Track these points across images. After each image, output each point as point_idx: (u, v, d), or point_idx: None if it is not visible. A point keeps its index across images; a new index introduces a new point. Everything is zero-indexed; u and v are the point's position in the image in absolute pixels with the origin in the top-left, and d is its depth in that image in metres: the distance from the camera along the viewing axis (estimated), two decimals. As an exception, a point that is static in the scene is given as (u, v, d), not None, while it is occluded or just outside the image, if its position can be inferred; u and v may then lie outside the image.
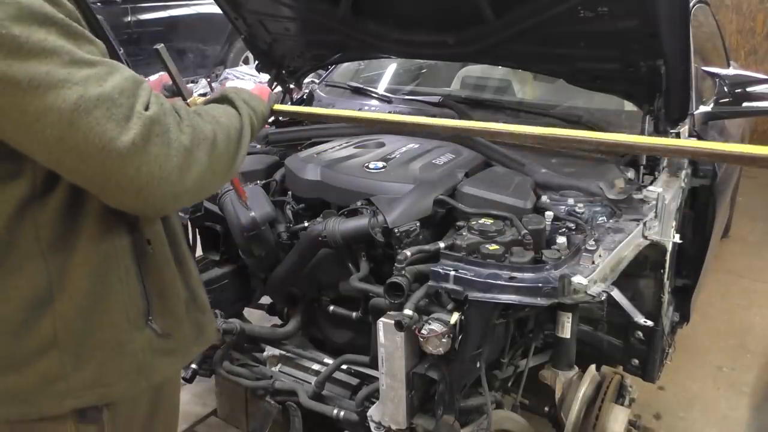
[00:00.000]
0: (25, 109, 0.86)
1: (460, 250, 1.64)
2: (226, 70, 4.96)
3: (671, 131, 2.08)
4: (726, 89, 2.35)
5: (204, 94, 1.32)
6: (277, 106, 1.48)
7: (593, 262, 1.54)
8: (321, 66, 2.84)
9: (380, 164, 2.04)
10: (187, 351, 1.23)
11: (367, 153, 2.18)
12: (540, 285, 1.49)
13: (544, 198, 1.91)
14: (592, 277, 1.49)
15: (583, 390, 1.84)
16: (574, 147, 1.98)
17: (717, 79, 2.44)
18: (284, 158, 2.27)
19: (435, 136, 2.27)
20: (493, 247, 1.62)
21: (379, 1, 2.16)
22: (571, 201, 1.87)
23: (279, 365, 2.11)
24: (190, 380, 2.10)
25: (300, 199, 2.11)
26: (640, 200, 1.86)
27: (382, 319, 1.62)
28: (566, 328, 1.80)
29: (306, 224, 1.98)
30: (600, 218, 1.79)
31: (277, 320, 2.39)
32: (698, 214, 2.33)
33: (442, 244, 1.71)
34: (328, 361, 2.05)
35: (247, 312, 2.41)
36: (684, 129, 2.13)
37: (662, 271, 1.96)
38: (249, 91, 1.29)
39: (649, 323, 1.71)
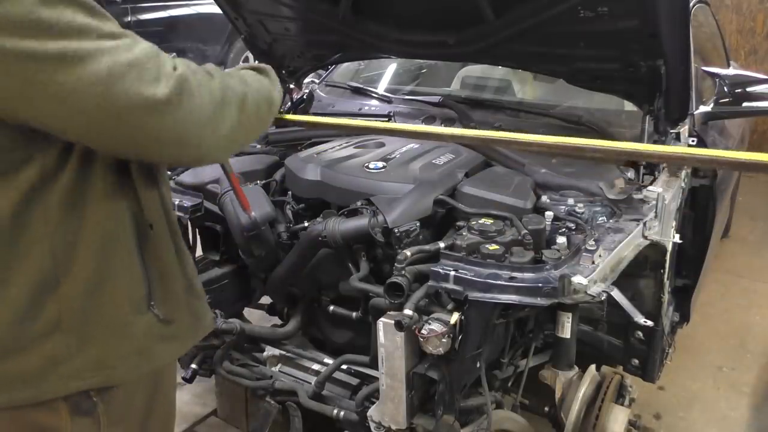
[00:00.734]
0: (63, 82, 0.91)
1: (460, 250, 1.64)
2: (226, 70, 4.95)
3: (671, 131, 2.08)
4: (726, 89, 2.35)
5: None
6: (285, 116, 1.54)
7: (593, 262, 1.54)
8: (321, 66, 2.83)
9: (380, 164, 2.04)
10: (186, 339, 1.26)
11: (367, 153, 2.18)
12: (540, 285, 1.49)
13: (544, 198, 1.91)
14: (592, 277, 1.49)
15: (583, 390, 1.84)
16: (585, 156, 1.94)
17: (717, 79, 2.43)
18: (284, 158, 2.28)
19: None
20: (493, 247, 1.62)
21: (379, 1, 2.16)
22: (571, 201, 1.87)
23: (279, 365, 2.11)
24: (190, 380, 2.10)
25: (300, 199, 2.11)
26: (640, 200, 1.86)
27: (382, 319, 1.62)
28: (566, 328, 1.80)
29: (306, 224, 1.98)
30: (600, 218, 1.79)
31: (277, 320, 2.39)
32: (698, 214, 2.33)
33: (442, 244, 1.71)
34: (328, 361, 2.05)
35: (247, 312, 2.41)
36: (684, 129, 2.13)
37: (662, 271, 1.96)
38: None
39: (649, 323, 1.71)
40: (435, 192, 1.89)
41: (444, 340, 1.52)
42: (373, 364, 1.76)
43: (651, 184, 1.96)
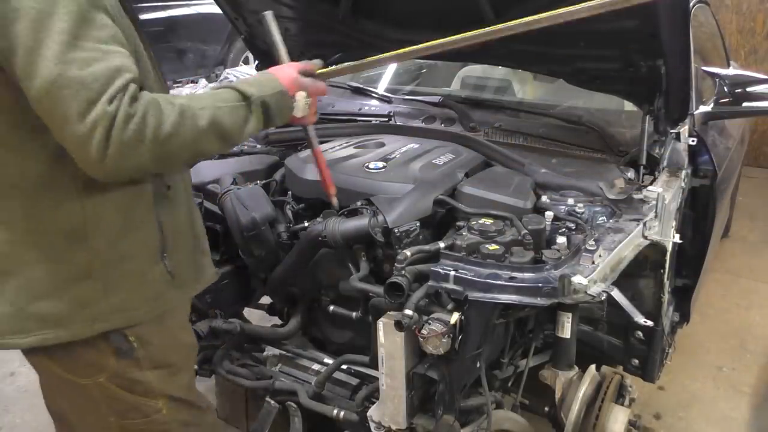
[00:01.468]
0: (24, 68, 1.04)
1: (460, 250, 1.64)
2: (226, 70, 4.95)
3: (671, 131, 2.08)
4: (726, 89, 2.35)
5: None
6: (320, 71, 1.51)
7: (593, 262, 1.54)
8: (321, 66, 2.84)
9: (380, 164, 2.04)
10: (189, 288, 1.44)
11: (367, 153, 2.18)
12: (540, 285, 1.49)
13: (544, 198, 1.91)
14: (592, 277, 1.49)
15: (583, 390, 1.84)
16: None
17: (717, 79, 2.43)
18: (284, 158, 2.27)
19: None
20: (493, 247, 1.62)
21: (379, 1, 2.17)
22: (571, 201, 1.87)
23: (279, 365, 2.11)
24: (190, 380, 2.10)
25: (300, 199, 2.11)
26: (640, 200, 1.86)
27: (382, 319, 1.62)
28: (566, 328, 1.79)
29: (306, 224, 1.97)
30: (600, 218, 1.79)
31: (277, 320, 2.39)
32: (698, 214, 2.33)
33: (442, 244, 1.71)
34: (328, 361, 2.05)
35: (247, 312, 2.41)
36: (684, 129, 2.13)
37: (662, 271, 1.96)
38: (268, 73, 1.40)
39: (649, 323, 1.71)
40: (435, 192, 1.89)
41: (444, 340, 1.52)
42: (373, 364, 1.76)
43: (651, 184, 1.96)
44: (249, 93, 1.28)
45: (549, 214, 1.75)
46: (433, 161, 2.09)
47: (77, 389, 1.33)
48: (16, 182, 1.18)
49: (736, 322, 3.33)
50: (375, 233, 1.78)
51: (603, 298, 1.50)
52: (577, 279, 1.47)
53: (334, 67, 1.62)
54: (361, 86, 2.83)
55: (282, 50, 1.57)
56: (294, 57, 2.60)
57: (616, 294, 1.55)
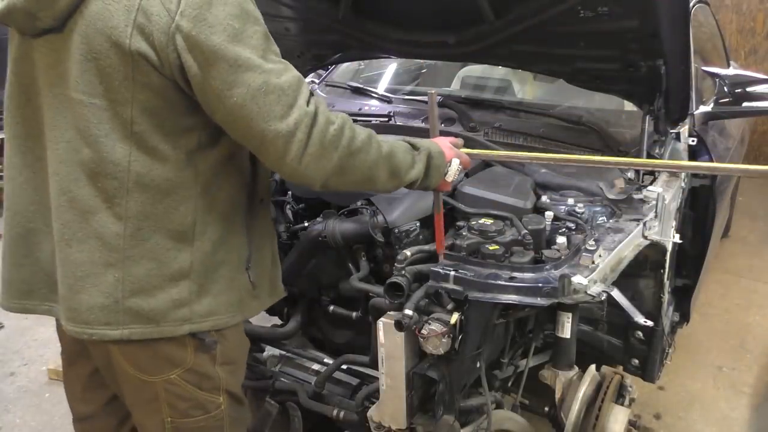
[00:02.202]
0: (225, 79, 1.15)
1: (460, 250, 1.64)
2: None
3: (671, 131, 2.08)
4: (726, 89, 2.35)
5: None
6: (465, 150, 1.65)
7: (593, 262, 1.54)
8: (321, 66, 2.84)
9: (380, 164, 2.04)
10: (264, 300, 1.49)
11: (367, 153, 2.18)
12: (540, 285, 1.49)
13: (544, 198, 1.91)
14: (592, 277, 1.49)
15: (583, 390, 1.84)
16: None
17: (717, 79, 2.44)
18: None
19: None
20: (493, 247, 1.62)
21: (379, 1, 2.16)
22: (571, 201, 1.87)
23: (279, 365, 2.11)
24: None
25: (300, 199, 2.11)
26: (640, 200, 1.86)
27: (382, 319, 1.62)
28: (566, 328, 1.79)
29: (306, 224, 1.97)
30: (600, 218, 1.79)
31: (277, 320, 2.39)
32: (698, 214, 2.33)
33: (442, 244, 1.71)
34: (328, 361, 2.05)
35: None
36: (684, 129, 2.13)
37: (662, 271, 1.96)
38: (426, 140, 1.54)
39: (649, 323, 1.71)
40: (435, 192, 1.89)
41: (444, 340, 1.52)
42: (373, 364, 1.76)
43: (651, 184, 1.96)
44: (419, 145, 1.46)
45: (549, 214, 1.75)
46: (433, 161, 2.08)
47: (140, 387, 1.35)
48: (141, 180, 1.22)
49: (736, 322, 3.33)
50: (375, 233, 1.79)
51: (603, 298, 1.50)
52: (577, 279, 1.47)
53: (477, 150, 1.80)
54: (361, 86, 2.83)
55: (436, 125, 1.64)
56: (294, 57, 2.63)
57: (616, 294, 1.55)
